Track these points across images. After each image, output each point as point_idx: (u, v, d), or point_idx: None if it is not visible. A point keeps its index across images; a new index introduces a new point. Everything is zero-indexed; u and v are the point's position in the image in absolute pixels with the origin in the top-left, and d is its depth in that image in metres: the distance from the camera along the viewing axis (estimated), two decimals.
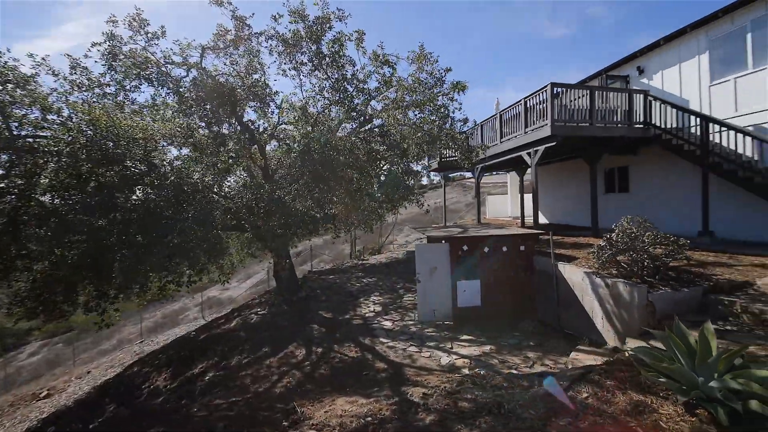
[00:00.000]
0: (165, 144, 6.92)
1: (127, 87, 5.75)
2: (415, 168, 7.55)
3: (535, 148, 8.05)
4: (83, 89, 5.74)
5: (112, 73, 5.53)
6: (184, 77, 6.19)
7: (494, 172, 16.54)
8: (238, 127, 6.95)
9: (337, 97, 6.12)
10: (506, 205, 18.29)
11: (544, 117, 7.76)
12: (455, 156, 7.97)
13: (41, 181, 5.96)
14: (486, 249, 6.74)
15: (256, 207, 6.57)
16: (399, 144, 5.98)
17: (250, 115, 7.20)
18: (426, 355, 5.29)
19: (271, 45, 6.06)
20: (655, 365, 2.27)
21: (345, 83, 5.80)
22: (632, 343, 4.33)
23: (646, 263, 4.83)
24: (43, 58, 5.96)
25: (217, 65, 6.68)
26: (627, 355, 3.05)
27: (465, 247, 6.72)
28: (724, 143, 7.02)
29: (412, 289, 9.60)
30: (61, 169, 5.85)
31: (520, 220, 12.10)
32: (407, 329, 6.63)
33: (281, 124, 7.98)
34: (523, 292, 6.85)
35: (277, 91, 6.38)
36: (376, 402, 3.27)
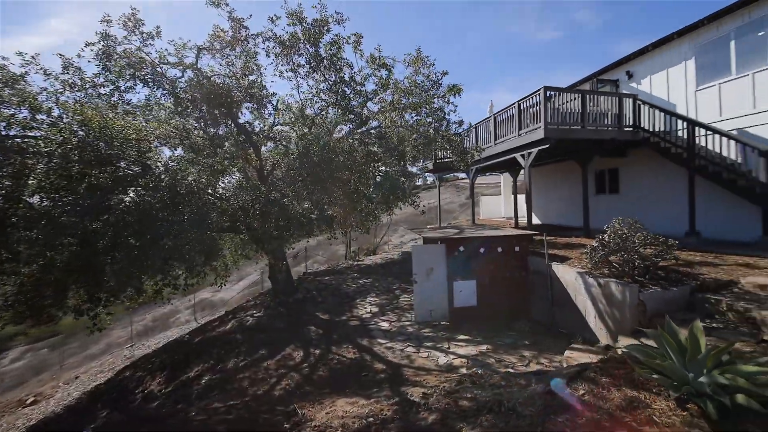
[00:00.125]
0: (159, 145, 6.84)
1: (122, 88, 5.67)
2: (411, 170, 7.60)
3: (528, 150, 8.20)
4: (76, 89, 5.65)
5: (107, 73, 5.45)
6: (180, 78, 6.14)
7: (488, 173, 16.72)
8: (234, 129, 6.91)
9: (334, 99, 6.14)
10: (500, 205, 18.52)
11: (537, 120, 7.90)
12: (451, 157, 8.07)
13: (29, 183, 5.83)
14: (482, 250, 6.83)
15: (252, 208, 6.55)
16: (397, 147, 6.04)
17: (246, 116, 7.16)
18: (424, 356, 5.35)
19: (268, 47, 6.06)
20: (648, 362, 2.36)
21: (343, 86, 5.84)
22: (624, 341, 4.46)
23: (636, 263, 4.97)
24: (32, 57, 5.84)
25: (213, 66, 6.65)
26: (620, 352, 3.16)
27: (461, 248, 6.81)
28: (710, 146, 7.26)
29: (408, 289, 9.66)
30: (51, 170, 5.74)
31: (513, 221, 12.27)
32: (404, 330, 6.68)
33: (277, 125, 7.96)
34: (518, 292, 6.97)
35: (273, 93, 6.38)
36: (376, 402, 3.31)
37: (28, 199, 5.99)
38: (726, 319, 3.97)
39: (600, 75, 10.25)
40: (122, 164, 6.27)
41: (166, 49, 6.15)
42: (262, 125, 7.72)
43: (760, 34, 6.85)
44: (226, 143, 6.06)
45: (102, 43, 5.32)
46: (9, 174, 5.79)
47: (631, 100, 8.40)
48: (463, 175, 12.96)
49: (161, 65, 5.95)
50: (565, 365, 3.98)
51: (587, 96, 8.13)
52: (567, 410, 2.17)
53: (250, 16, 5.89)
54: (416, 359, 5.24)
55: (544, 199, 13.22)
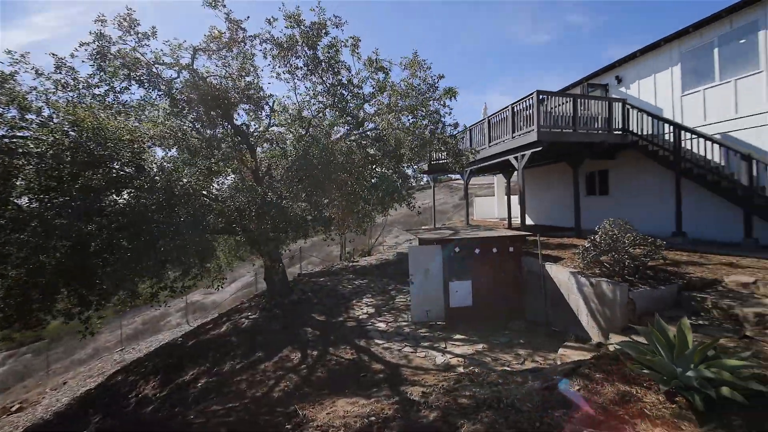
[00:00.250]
0: (152, 145, 6.77)
1: (117, 88, 5.61)
2: (406, 171, 7.68)
3: (521, 153, 8.36)
4: (68, 89, 5.56)
5: (101, 74, 5.38)
6: (176, 79, 6.09)
7: (482, 174, 16.94)
8: (231, 130, 6.89)
9: (331, 102, 6.18)
10: (493, 206, 18.75)
11: (530, 123, 8.07)
12: (446, 159, 8.18)
13: (17, 184, 5.72)
14: (477, 250, 6.94)
15: (249, 210, 6.53)
16: (395, 149, 6.11)
17: (242, 117, 7.14)
18: (421, 355, 5.42)
19: (265, 48, 6.07)
20: (639, 358, 2.47)
21: (341, 88, 5.88)
22: (615, 339, 4.61)
23: (626, 263, 5.14)
24: (22, 55, 5.73)
25: (209, 67, 6.62)
26: (612, 349, 3.28)
27: (457, 249, 6.91)
28: (695, 150, 7.53)
29: (403, 290, 9.72)
30: (41, 171, 5.64)
31: (507, 222, 12.47)
32: (401, 330, 6.74)
33: (272, 126, 7.95)
34: (512, 291, 7.10)
35: (270, 94, 6.38)
36: (377, 402, 3.36)
37: (16, 201, 5.88)
38: (711, 316, 4.14)
39: (590, 79, 10.50)
40: (116, 165, 6.20)
41: (162, 50, 6.11)
42: (258, 126, 7.70)
43: (742, 41, 7.14)
44: (223, 144, 6.03)
45: (97, 43, 5.25)
46: None
47: (620, 104, 8.64)
48: (456, 176, 13.11)
49: (157, 66, 5.90)
50: (559, 363, 4.09)
51: (578, 100, 8.34)
52: (563, 405, 2.26)
53: (248, 17, 5.88)
54: (414, 359, 5.30)
55: (536, 200, 13.46)
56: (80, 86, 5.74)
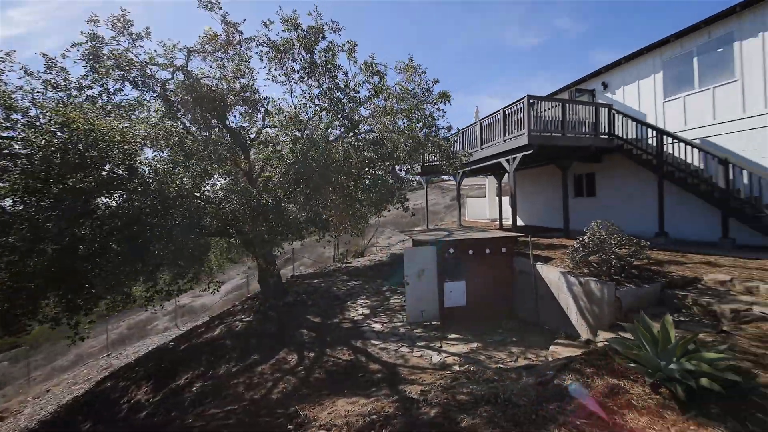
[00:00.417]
0: (145, 147, 6.69)
1: (111, 90, 5.53)
2: (400, 173, 7.79)
3: (513, 156, 8.58)
4: (59, 90, 5.46)
5: (94, 75, 5.30)
6: (170, 80, 6.05)
7: (474, 176, 17.22)
8: (226, 132, 6.87)
9: (327, 105, 6.24)
10: (484, 207, 19.05)
11: (521, 127, 8.30)
12: (439, 161, 8.33)
13: (0, 185, 5.57)
14: (470, 251, 7.10)
15: (243, 212, 6.52)
16: (392, 153, 6.21)
17: (237, 119, 7.12)
18: (417, 355, 5.52)
19: (261, 51, 6.08)
20: (626, 353, 2.63)
21: (337, 92, 5.95)
22: (603, 335, 4.81)
23: (613, 263, 5.36)
24: (7, 53, 5.60)
25: (203, 69, 6.59)
26: (601, 345, 3.44)
27: (451, 250, 7.05)
28: (676, 154, 7.88)
29: (398, 291, 9.82)
30: (26, 172, 5.51)
31: (498, 222, 12.72)
32: (397, 331, 6.84)
33: (266, 127, 7.94)
34: (504, 291, 7.28)
35: (267, 97, 6.40)
36: (376, 401, 3.44)
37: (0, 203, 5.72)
38: (691, 312, 4.38)
39: (578, 85, 10.84)
40: (107, 167, 6.10)
41: (155, 50, 6.06)
42: (252, 128, 7.69)
43: (719, 50, 7.52)
44: (218, 147, 6.02)
45: (89, 43, 5.18)
46: None
47: (606, 109, 8.96)
48: (448, 177, 13.28)
49: (150, 67, 5.85)
50: (550, 359, 4.25)
51: (567, 105, 8.61)
52: (557, 399, 2.40)
53: (244, 20, 5.90)
54: (410, 359, 5.40)
55: (527, 202, 13.77)
56: (71, 86, 5.63)
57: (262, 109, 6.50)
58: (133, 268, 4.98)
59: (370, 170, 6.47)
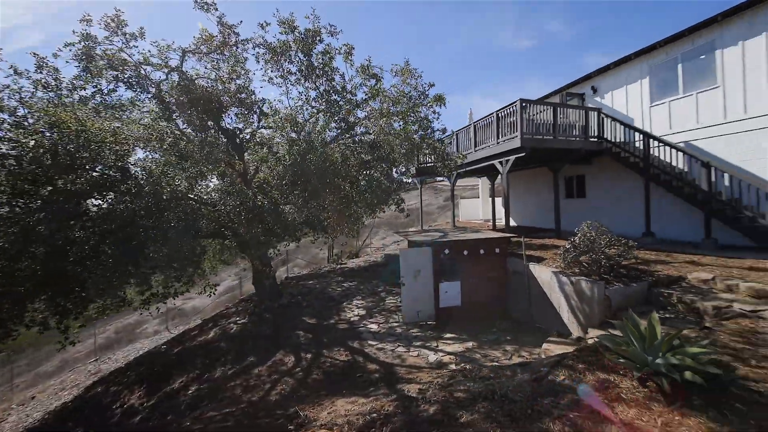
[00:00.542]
0: (138, 148, 6.63)
1: (105, 90, 5.47)
2: (396, 175, 7.87)
3: (506, 158, 8.75)
4: (49, 89, 5.37)
5: (87, 75, 5.24)
6: (164, 80, 6.02)
7: (467, 177, 17.43)
8: (220, 134, 6.85)
9: (324, 107, 6.29)
10: (478, 208, 19.29)
11: (514, 129, 8.47)
12: (433, 162, 8.44)
13: None
14: (465, 252, 7.22)
15: (239, 213, 6.51)
16: (389, 155, 6.29)
17: (232, 120, 7.10)
18: (414, 354, 5.60)
19: (258, 52, 6.09)
20: (615, 349, 2.76)
21: (334, 94, 5.99)
22: (593, 333, 4.96)
23: (603, 263, 5.54)
24: None
25: (198, 70, 6.56)
26: (591, 342, 3.58)
27: (446, 251, 7.16)
28: (662, 157, 8.15)
29: (393, 292, 9.90)
30: (13, 173, 5.41)
31: (491, 223, 12.91)
32: (393, 331, 6.91)
33: (262, 128, 7.94)
34: (498, 291, 7.43)
35: (263, 98, 6.41)
36: (376, 400, 3.50)
37: None
38: (676, 309, 4.57)
39: (568, 89, 11.10)
40: (98, 168, 6.02)
41: (149, 51, 6.02)
42: (247, 129, 7.67)
43: (702, 57, 7.82)
44: (214, 148, 6.01)
45: (82, 43, 5.11)
46: None
47: (595, 113, 9.21)
48: (441, 177, 13.41)
49: (144, 67, 5.80)
50: (543, 356, 4.38)
51: (558, 109, 8.83)
52: (551, 394, 2.50)
53: (241, 22, 5.90)
54: (407, 358, 5.48)
55: (519, 203, 14.01)
56: (62, 86, 5.55)
57: (258, 111, 6.49)
58: (127, 270, 4.93)
59: (367, 172, 6.53)
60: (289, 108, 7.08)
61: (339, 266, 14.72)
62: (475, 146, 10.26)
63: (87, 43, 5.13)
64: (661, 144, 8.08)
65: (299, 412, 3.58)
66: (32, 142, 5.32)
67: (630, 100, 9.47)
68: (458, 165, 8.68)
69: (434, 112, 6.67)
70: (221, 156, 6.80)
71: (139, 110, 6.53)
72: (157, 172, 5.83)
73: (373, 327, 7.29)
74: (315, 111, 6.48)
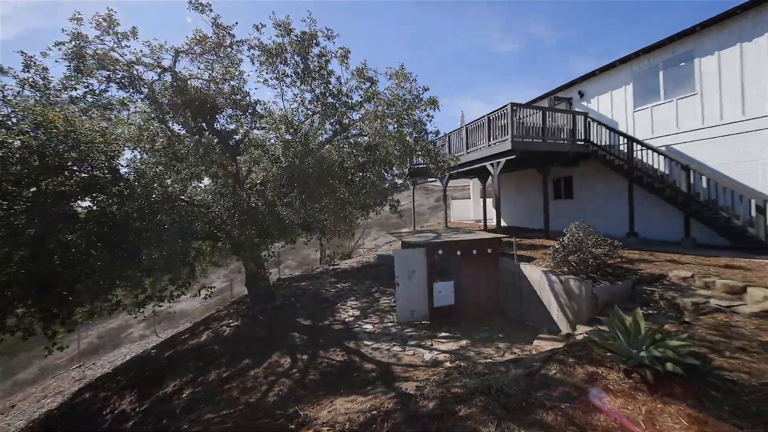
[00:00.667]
0: (130, 149, 6.53)
1: (96, 90, 5.37)
2: (391, 177, 7.97)
3: (497, 160, 8.97)
4: (37, 89, 5.26)
5: (78, 75, 5.14)
6: (156, 81, 5.96)
7: (458, 178, 17.69)
8: (213, 135, 6.81)
9: (319, 109, 6.34)
10: (469, 209, 19.58)
11: (504, 132, 8.70)
12: (426, 164, 8.57)
13: None
14: (458, 252, 7.38)
15: (232, 215, 6.48)
16: (386, 157, 6.38)
17: (225, 122, 7.07)
18: (410, 353, 5.71)
19: (253, 54, 6.09)
20: (602, 343, 2.92)
21: (331, 97, 6.05)
22: (581, 329, 5.17)
23: (590, 262, 5.77)
24: None
25: (192, 70, 6.52)
26: (580, 338, 3.75)
27: (440, 251, 7.30)
28: (645, 160, 8.51)
29: (386, 292, 9.99)
30: None
31: (482, 223, 13.16)
32: (388, 331, 7.00)
33: (254, 128, 7.91)
34: (491, 290, 7.61)
35: (258, 100, 6.41)
36: (375, 398, 3.58)
37: None
38: (658, 306, 4.81)
39: (556, 93, 11.44)
40: (87, 169, 5.92)
41: (141, 50, 5.95)
42: (240, 130, 7.65)
43: (682, 65, 8.20)
44: (209, 150, 5.98)
45: (73, 42, 5.02)
46: None
47: (582, 117, 9.53)
48: (432, 178, 13.57)
49: (137, 67, 5.73)
50: (535, 352, 4.55)
51: (546, 112, 9.10)
52: (544, 387, 2.64)
53: (236, 23, 5.89)
54: (403, 357, 5.58)
55: (509, 204, 14.31)
56: (50, 86, 5.44)
57: (252, 111, 6.49)
58: (120, 273, 4.87)
59: (363, 174, 6.61)
60: (283, 109, 7.10)
61: (332, 267, 14.72)
62: (467, 148, 10.46)
63: (78, 42, 5.04)
64: (643, 147, 8.43)
65: (299, 411, 3.63)
66: (17, 143, 5.20)
67: (614, 105, 9.83)
68: (451, 167, 8.85)
69: (428, 116, 6.80)
70: (215, 158, 6.77)
71: (128, 111, 6.44)
72: (150, 174, 5.76)
73: (368, 327, 7.36)
74: (310, 113, 6.52)
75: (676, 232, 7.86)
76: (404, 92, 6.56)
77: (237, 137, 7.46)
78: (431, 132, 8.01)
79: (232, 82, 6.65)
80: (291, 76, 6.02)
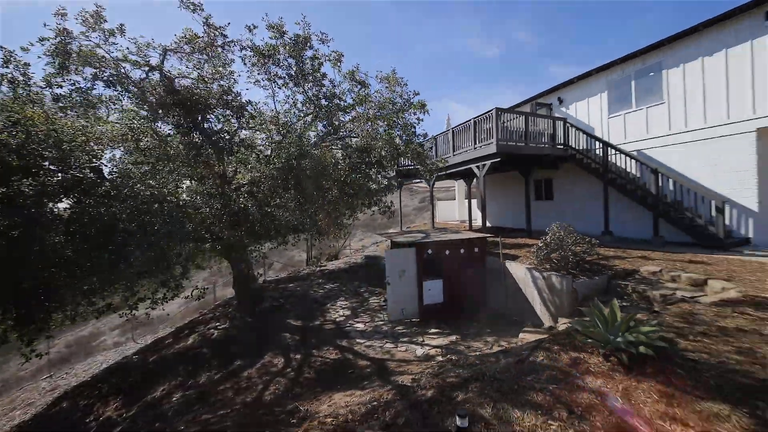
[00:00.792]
0: (116, 148, 6.36)
1: (84, 88, 5.22)
2: (382, 178, 8.13)
3: (483, 162, 9.32)
4: (16, 85, 5.06)
5: (63, 72, 4.98)
6: (144, 79, 5.86)
7: (443, 179, 18.08)
8: (202, 136, 6.75)
9: (311, 111, 6.42)
10: (453, 209, 20.03)
11: (490, 136, 9.06)
12: (413, 165, 8.78)
13: None
14: (447, 251, 7.63)
15: (220, 216, 6.44)
16: (379, 161, 6.53)
17: (213, 122, 7.00)
18: (402, 349, 5.88)
19: (245, 55, 6.10)
20: (584, 331, 3.20)
21: (324, 99, 6.13)
22: (563, 321, 5.52)
23: (570, 259, 6.15)
24: None
25: (181, 69, 6.44)
26: (564, 328, 4.04)
27: (429, 251, 7.53)
28: (619, 163, 9.09)
29: (375, 292, 10.13)
30: None
31: (468, 224, 13.55)
32: (379, 329, 7.14)
33: (241, 128, 7.87)
34: (478, 287, 7.91)
35: (249, 101, 6.40)
36: (373, 391, 3.72)
37: None
38: (631, 298, 5.21)
39: (537, 99, 11.98)
40: (69, 169, 5.72)
41: (128, 48, 5.83)
42: (230, 130, 7.59)
43: (651, 75, 8.84)
44: (201, 150, 5.92)
45: (59, 39, 4.86)
46: None
47: (562, 122, 10.05)
48: (416, 180, 13.84)
49: (124, 65, 5.62)
50: (521, 344, 4.82)
51: (529, 117, 9.55)
52: (533, 372, 2.87)
53: (229, 23, 5.87)
54: (396, 353, 5.74)
55: (493, 204, 14.80)
56: (31, 82, 5.25)
57: (242, 112, 6.48)
58: (108, 276, 4.76)
59: (355, 176, 6.72)
60: (274, 111, 7.12)
61: (319, 268, 14.70)
62: (454, 150, 10.78)
63: (63, 38, 4.89)
64: (617, 152, 9.01)
65: (299, 407, 3.71)
66: None
67: (591, 111, 10.44)
68: (439, 168, 9.12)
69: (418, 119, 7.02)
70: (205, 159, 6.69)
71: (114, 109, 6.28)
72: (137, 174, 5.65)
73: (360, 326, 7.48)
74: (302, 114, 6.58)
75: (647, 231, 8.46)
76: (395, 96, 6.75)
77: (226, 137, 7.40)
78: (420, 134, 8.25)
79: (222, 82, 6.62)
80: (284, 77, 6.07)
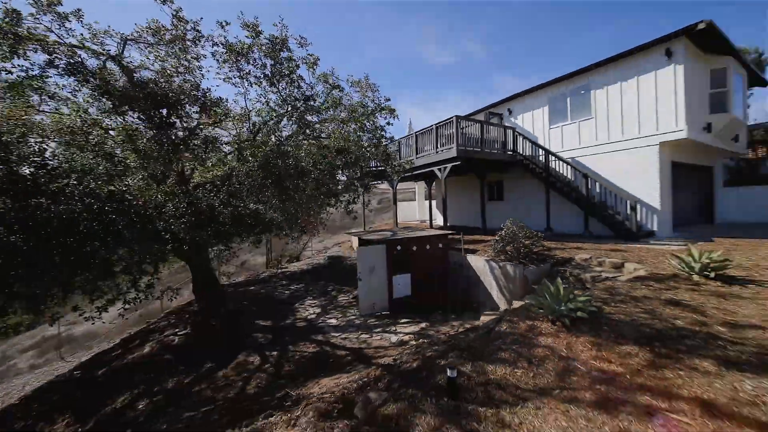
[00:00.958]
0: (58, 142, 5.79)
1: (37, 74, 4.70)
2: (350, 178, 8.40)
3: (444, 165, 10.13)
4: None
5: (14, 57, 4.45)
6: (103, 69, 5.47)
7: (404, 181, 18.85)
8: (166, 132, 6.45)
9: (285, 110, 6.50)
10: (414, 210, 20.95)
11: (450, 141, 9.89)
12: (383, 167, 9.24)
13: None
14: (414, 248, 8.21)
15: (181, 216, 6.21)
16: (356, 162, 6.82)
17: (179, 117, 6.71)
18: (378, 338, 6.26)
19: (216, 51, 5.98)
20: (537, 303, 3.92)
21: (299, 102, 6.25)
22: (516, 304, 6.36)
23: (521, 250, 7.09)
24: None
25: (144, 61, 6.10)
26: (520, 305, 4.80)
27: (398, 248, 8.03)
28: (558, 168, 10.53)
29: (343, 290, 10.39)
30: None
31: (428, 223, 14.42)
32: (353, 323, 7.45)
33: (206, 125, 7.61)
34: (442, 279, 8.61)
35: (220, 97, 6.27)
36: (359, 372, 4.05)
37: None
38: (569, 280, 6.24)
39: (491, 108, 13.26)
40: (13, 165, 5.11)
41: (81, 34, 5.40)
42: (194, 126, 7.31)
43: (582, 93, 10.41)
44: (174, 147, 5.66)
45: (7, 19, 4.35)
46: None
47: (511, 131, 11.31)
48: (376, 181, 14.31)
49: (79, 52, 5.18)
50: (485, 322, 5.52)
51: (484, 125, 10.61)
52: (500, 338, 3.47)
53: (201, 18, 5.71)
54: (372, 342, 6.11)
55: (452, 204, 15.90)
56: None
57: (215, 109, 6.34)
58: (69, 279, 4.41)
59: (323, 175, 6.91)
60: (244, 108, 7.05)
61: (280, 270, 14.44)
62: (417, 153, 11.49)
63: (10, 19, 4.38)
64: (556, 159, 10.44)
65: (290, 392, 3.90)
66: None
67: (535, 123, 11.90)
68: (405, 170, 9.70)
69: (388, 123, 7.48)
70: (171, 156, 6.38)
71: (69, 100, 5.72)
72: (99, 171, 5.26)
73: (333, 321, 7.71)
74: (275, 114, 6.62)
75: (579, 227, 9.95)
76: (367, 100, 7.13)
77: (180, 134, 7.09)
78: (387, 138, 8.74)
79: (187, 76, 6.40)
80: (258, 76, 6.08)
